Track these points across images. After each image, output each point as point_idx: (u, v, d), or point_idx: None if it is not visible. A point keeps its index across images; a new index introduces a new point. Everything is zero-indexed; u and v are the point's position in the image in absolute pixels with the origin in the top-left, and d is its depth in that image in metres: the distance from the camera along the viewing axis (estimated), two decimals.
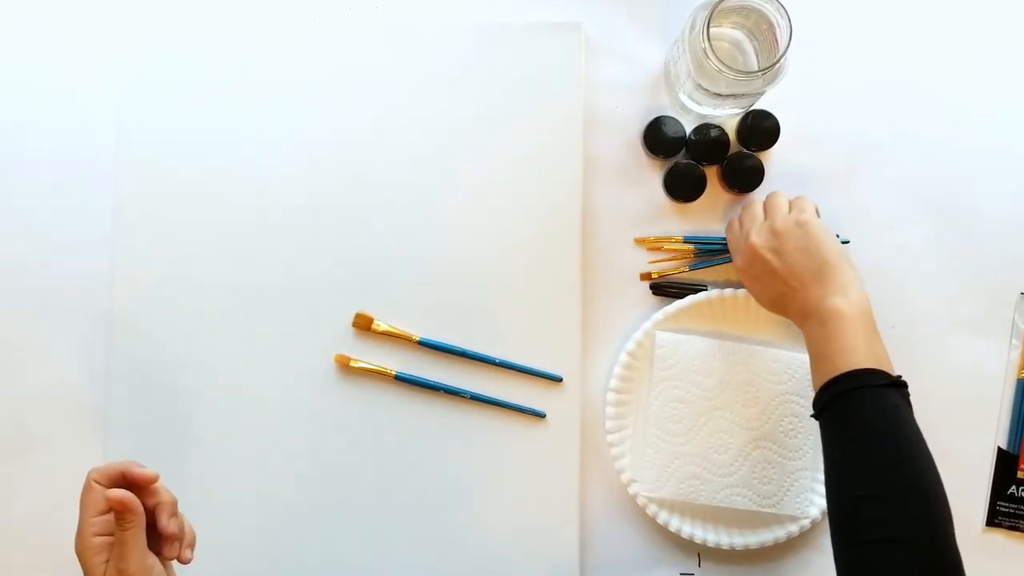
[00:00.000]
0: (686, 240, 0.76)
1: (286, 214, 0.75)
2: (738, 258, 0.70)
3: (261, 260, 0.75)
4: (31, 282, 0.76)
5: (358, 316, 0.74)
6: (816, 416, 0.63)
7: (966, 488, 0.76)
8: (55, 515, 0.74)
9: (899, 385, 0.61)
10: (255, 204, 0.75)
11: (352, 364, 0.74)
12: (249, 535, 0.74)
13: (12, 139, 0.76)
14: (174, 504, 0.59)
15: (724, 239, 0.75)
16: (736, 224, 0.72)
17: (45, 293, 0.76)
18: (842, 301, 0.63)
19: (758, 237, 0.68)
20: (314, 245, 0.75)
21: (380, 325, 0.74)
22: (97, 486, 0.57)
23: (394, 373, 0.74)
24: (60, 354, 0.75)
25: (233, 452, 0.74)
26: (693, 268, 0.76)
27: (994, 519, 0.76)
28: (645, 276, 0.76)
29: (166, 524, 0.57)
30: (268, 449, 0.74)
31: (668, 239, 0.76)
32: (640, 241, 0.76)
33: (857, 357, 0.61)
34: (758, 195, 0.76)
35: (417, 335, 0.75)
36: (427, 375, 0.75)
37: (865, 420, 0.60)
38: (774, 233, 0.67)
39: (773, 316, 0.74)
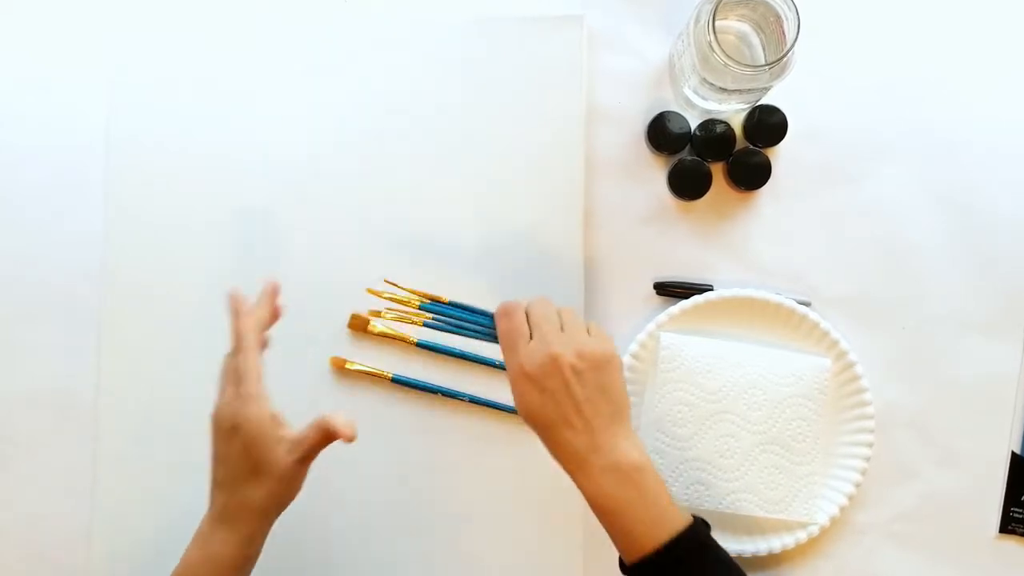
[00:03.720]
0: (421, 308, 0.69)
1: (280, 212, 0.74)
2: (523, 359, 0.61)
3: (254, 259, 0.74)
4: (19, 282, 0.75)
5: (354, 317, 0.73)
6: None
7: (979, 494, 0.75)
8: (42, 521, 0.73)
9: (708, 525, 0.63)
10: (248, 202, 0.74)
11: (348, 366, 0.73)
12: None
13: (0, 137, 0.75)
14: None
15: (471, 321, 0.68)
16: (520, 318, 0.62)
17: (34, 293, 0.75)
18: (637, 451, 0.60)
19: (563, 349, 0.60)
20: (310, 244, 0.74)
21: (376, 326, 0.73)
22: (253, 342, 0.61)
23: (391, 376, 0.73)
24: (49, 355, 0.74)
25: None
26: (420, 344, 0.73)
27: (1007, 525, 0.74)
28: (357, 318, 0.73)
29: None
30: None
31: (404, 300, 0.69)
32: (373, 292, 0.70)
33: (675, 514, 0.59)
34: (762, 194, 0.75)
35: (415, 337, 0.73)
36: (425, 378, 0.73)
37: (720, 568, 0.60)
38: (580, 355, 0.60)
39: (781, 317, 0.72)
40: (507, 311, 0.63)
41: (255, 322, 0.63)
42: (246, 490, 0.60)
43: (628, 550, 0.60)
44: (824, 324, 0.73)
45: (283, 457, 0.60)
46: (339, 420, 0.61)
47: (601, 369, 0.61)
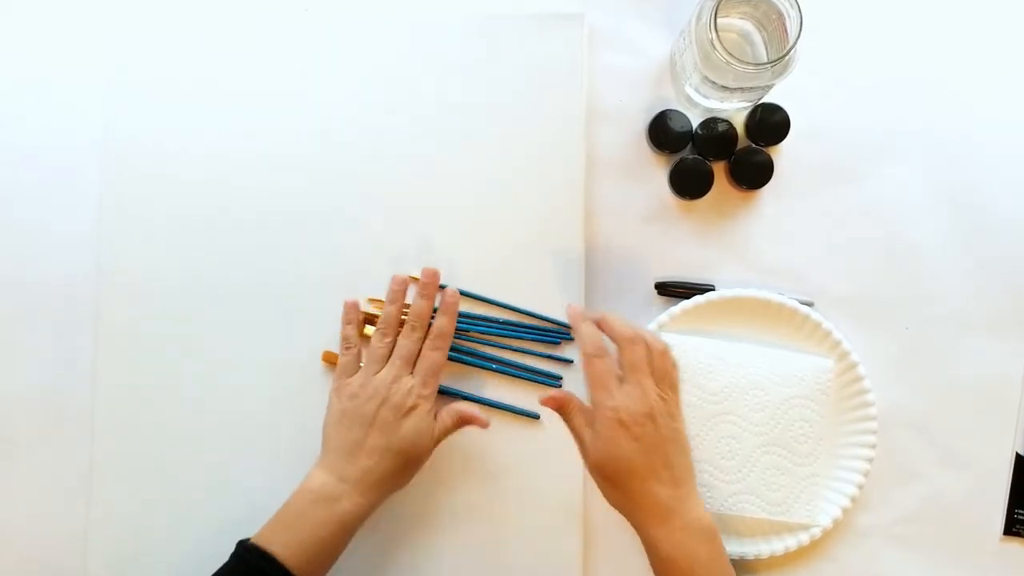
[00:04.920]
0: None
1: (276, 212, 0.74)
2: (619, 405, 0.61)
3: (250, 259, 0.74)
4: (15, 282, 0.74)
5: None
6: None
7: (983, 496, 0.74)
8: (39, 521, 0.73)
9: None
10: (243, 202, 0.74)
11: None
12: (237, 535, 0.71)
13: None
14: None
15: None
16: (611, 361, 0.63)
17: (29, 293, 0.74)
18: (707, 513, 0.62)
19: (656, 401, 0.61)
20: (306, 243, 0.74)
21: (372, 331, 0.72)
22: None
23: None
24: (45, 356, 0.74)
25: (221, 453, 0.73)
26: None
27: (1012, 527, 0.74)
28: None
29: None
30: (257, 449, 0.73)
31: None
32: (373, 302, 0.73)
33: None
34: (764, 193, 0.75)
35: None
36: None
37: None
38: (670, 412, 0.62)
39: (784, 317, 0.72)
40: (598, 351, 0.63)
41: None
42: (396, 477, 0.66)
43: None
44: (826, 324, 0.72)
45: (430, 447, 0.68)
46: (475, 410, 0.69)
47: (677, 419, 0.62)
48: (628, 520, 0.63)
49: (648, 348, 0.63)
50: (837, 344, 0.72)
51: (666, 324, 0.72)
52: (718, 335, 0.73)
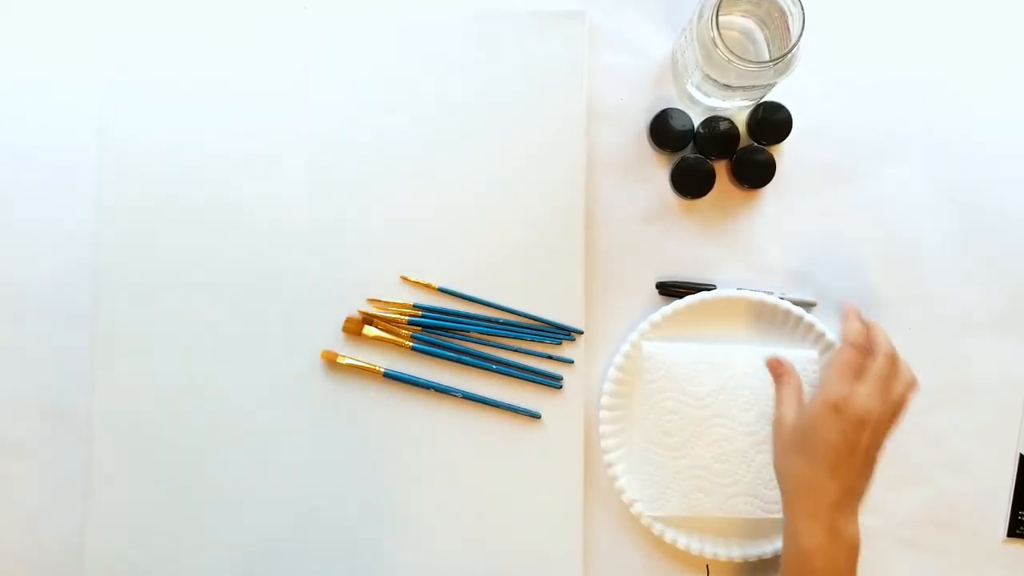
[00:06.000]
0: (410, 322, 0.72)
1: (275, 211, 0.73)
2: (849, 395, 0.61)
3: (248, 259, 0.73)
4: (10, 282, 0.74)
5: (349, 320, 0.72)
6: None
7: (986, 497, 0.74)
8: (34, 525, 0.73)
9: None
10: (242, 202, 0.73)
11: (339, 360, 0.72)
12: (235, 536, 0.72)
13: None
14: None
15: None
16: (867, 359, 0.64)
17: (25, 293, 0.74)
18: (859, 535, 0.62)
19: (882, 413, 0.62)
20: (305, 243, 0.73)
21: (371, 331, 0.72)
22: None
23: (382, 370, 0.72)
24: (41, 357, 0.74)
25: (217, 453, 0.73)
26: (415, 348, 0.72)
27: (1016, 529, 0.73)
28: (352, 321, 0.73)
29: None
30: (253, 449, 0.73)
31: (400, 306, 0.73)
32: (372, 302, 0.73)
33: None
34: (769, 191, 0.74)
35: (410, 343, 0.73)
36: (418, 374, 0.73)
37: None
38: (884, 422, 0.62)
39: (778, 317, 0.72)
40: (859, 344, 0.63)
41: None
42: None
43: None
44: (814, 322, 0.71)
45: None
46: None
47: (878, 445, 0.62)
48: (781, 494, 0.63)
49: (899, 371, 0.64)
50: (831, 346, 0.72)
51: (647, 332, 0.72)
52: (711, 337, 0.72)
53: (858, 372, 0.62)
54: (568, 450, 0.72)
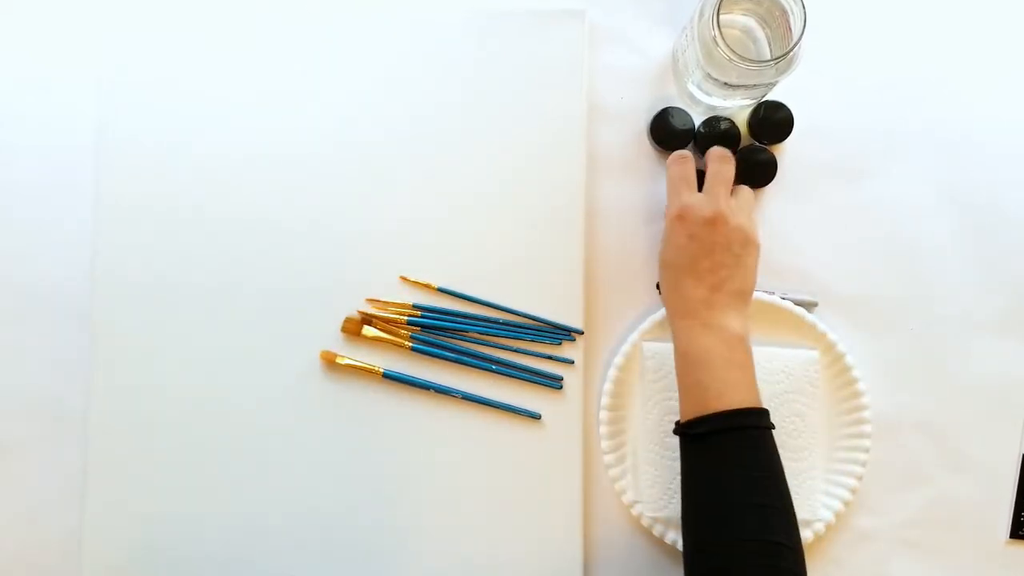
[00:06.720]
0: (410, 322, 0.72)
1: (274, 211, 0.73)
2: (686, 203, 0.66)
3: (246, 259, 0.73)
4: (7, 283, 0.74)
5: (348, 321, 0.72)
6: (700, 434, 0.61)
7: (988, 498, 0.74)
8: (33, 523, 0.73)
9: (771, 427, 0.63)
10: (240, 202, 0.73)
11: (338, 361, 0.72)
12: (234, 535, 0.72)
13: None
14: None
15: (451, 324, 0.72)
16: (690, 168, 0.68)
17: (22, 294, 0.74)
18: (743, 328, 0.64)
19: (728, 214, 0.65)
20: (304, 243, 0.73)
21: (370, 331, 0.72)
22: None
23: (381, 371, 0.72)
24: (39, 358, 0.74)
25: (216, 454, 0.73)
26: (415, 348, 0.72)
27: (1018, 531, 0.73)
28: (351, 321, 0.72)
29: None
30: (251, 450, 0.73)
31: (399, 306, 0.73)
32: (371, 302, 0.73)
33: (752, 393, 0.62)
34: (767, 192, 0.74)
35: (410, 343, 0.72)
36: (417, 375, 0.72)
37: (762, 455, 0.62)
38: (738, 227, 0.65)
39: (771, 315, 0.71)
40: (682, 157, 0.68)
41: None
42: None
43: (694, 405, 0.62)
44: (815, 322, 0.71)
45: None
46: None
47: (747, 246, 0.65)
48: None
49: (732, 167, 0.67)
50: (828, 341, 0.72)
51: (647, 332, 0.71)
52: None
53: (690, 183, 0.67)
54: (568, 451, 0.72)
